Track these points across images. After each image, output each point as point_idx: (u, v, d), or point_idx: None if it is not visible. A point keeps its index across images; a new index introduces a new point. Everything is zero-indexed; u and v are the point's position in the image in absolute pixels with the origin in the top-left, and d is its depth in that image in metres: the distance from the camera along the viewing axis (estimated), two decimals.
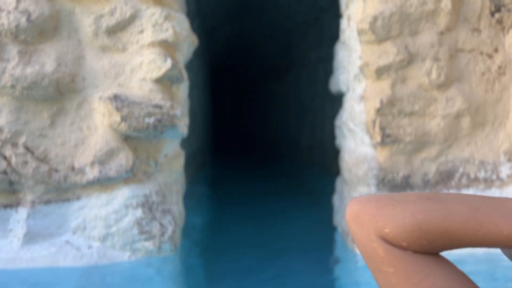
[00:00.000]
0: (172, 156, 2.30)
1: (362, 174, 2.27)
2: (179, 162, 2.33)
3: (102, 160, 2.03)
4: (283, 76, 9.95)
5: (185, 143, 4.93)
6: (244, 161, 8.47)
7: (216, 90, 12.22)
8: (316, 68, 7.25)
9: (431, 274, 0.50)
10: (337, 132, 2.64)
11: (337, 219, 2.66)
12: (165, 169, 2.26)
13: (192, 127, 5.68)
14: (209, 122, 8.94)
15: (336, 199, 2.71)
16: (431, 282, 0.50)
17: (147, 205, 2.10)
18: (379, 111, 2.20)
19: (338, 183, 2.70)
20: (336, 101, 6.09)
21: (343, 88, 2.50)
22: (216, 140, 11.37)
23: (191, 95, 5.64)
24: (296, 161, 7.97)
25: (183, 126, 2.19)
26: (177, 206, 2.25)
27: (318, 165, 6.95)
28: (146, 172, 2.15)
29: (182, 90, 2.32)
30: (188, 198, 4.27)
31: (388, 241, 0.50)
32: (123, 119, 2.00)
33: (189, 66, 5.32)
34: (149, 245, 2.09)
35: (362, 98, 2.25)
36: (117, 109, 1.99)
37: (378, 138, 2.21)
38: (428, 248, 0.50)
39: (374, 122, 2.21)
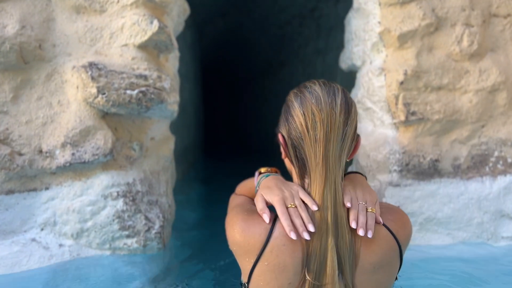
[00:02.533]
0: (160, 140, 1.96)
1: (382, 160, 1.95)
2: (169, 147, 1.99)
3: (75, 141, 1.68)
4: (277, 72, 9.64)
5: (177, 138, 4.59)
6: (237, 159, 8.12)
7: (208, 86, 11.88)
8: (313, 61, 6.94)
9: (240, 198, 1.22)
10: None
11: None
12: (151, 155, 1.92)
13: (183, 122, 5.32)
14: (201, 119, 8.60)
15: None
16: (237, 199, 1.21)
17: (130, 195, 1.76)
18: (402, 85, 1.88)
19: None
20: None
21: (357, 62, 2.18)
22: (208, 137, 11.03)
23: (182, 88, 5.30)
24: None
25: (172, 103, 1.85)
26: (166, 198, 1.91)
27: None
28: (128, 157, 1.81)
29: (172, 62, 1.98)
30: (180, 195, 3.92)
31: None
32: (100, 91, 1.65)
33: (181, 55, 4.98)
34: (132, 242, 1.74)
35: (382, 70, 1.93)
36: (93, 79, 1.65)
37: (401, 117, 1.89)
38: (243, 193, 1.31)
39: (396, 97, 1.89)
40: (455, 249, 1.86)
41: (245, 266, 1.07)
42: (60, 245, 1.71)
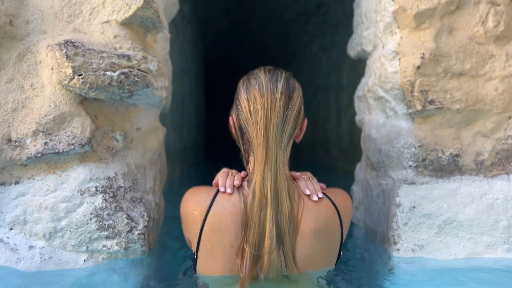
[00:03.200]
0: (147, 130, 1.76)
1: (396, 154, 1.73)
2: (157, 139, 1.79)
3: (49, 128, 1.48)
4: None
5: (175, 136, 4.39)
6: (240, 160, 7.92)
7: (211, 85, 11.69)
8: (319, 58, 6.73)
9: None
10: (358, 106, 2.11)
11: (358, 215, 2.11)
12: (137, 146, 1.71)
13: (182, 119, 5.13)
14: (202, 118, 8.40)
15: (355, 191, 2.17)
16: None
17: (110, 191, 1.56)
18: (419, 70, 1.67)
19: (358, 170, 2.17)
20: (342, 92, 5.56)
21: (367, 47, 1.97)
22: (210, 137, 10.84)
23: (182, 83, 5.10)
24: (296, 160, 7.45)
25: (160, 88, 1.65)
26: (153, 195, 1.70)
27: (321, 163, 6.41)
28: (110, 148, 1.61)
29: (161, 44, 1.78)
30: (178, 195, 3.72)
31: None
32: (76, 71, 1.45)
33: (180, 48, 4.77)
34: (112, 244, 1.54)
35: (396, 54, 1.72)
36: (68, 58, 1.45)
37: (417, 106, 1.68)
38: None
39: (412, 84, 1.68)
40: (478, 256, 1.65)
41: (194, 235, 1.20)
42: (30, 247, 1.51)
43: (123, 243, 1.54)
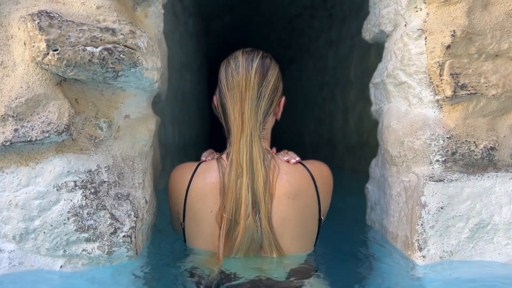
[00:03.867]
0: (137, 118, 1.55)
1: (421, 147, 1.51)
2: (148, 128, 1.57)
3: (20, 113, 1.27)
4: (286, 68, 9.22)
5: (175, 131, 4.18)
6: None
7: (214, 83, 11.45)
8: (325, 54, 6.51)
9: None
10: (375, 94, 1.89)
11: (373, 216, 1.89)
12: (125, 136, 1.50)
13: (183, 115, 4.92)
14: (205, 115, 8.19)
15: (370, 190, 1.95)
16: None
17: (91, 186, 1.34)
18: (449, 50, 1.45)
19: (374, 167, 1.95)
20: (349, 88, 5.33)
21: (386, 27, 1.75)
22: (213, 134, 10.62)
23: (183, 77, 4.89)
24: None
25: (150, 69, 1.43)
26: (142, 191, 1.49)
27: (326, 162, 6.19)
28: (93, 137, 1.39)
29: (153, 20, 1.57)
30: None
31: None
32: (51, 45, 1.24)
33: (180, 41, 4.56)
34: (93, 248, 1.33)
35: (422, 32, 1.50)
36: (41, 29, 1.23)
37: (447, 91, 1.46)
38: None
39: (441, 66, 1.46)
40: None
41: (180, 206, 1.33)
42: None
43: (106, 247, 1.33)
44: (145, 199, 1.49)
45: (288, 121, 8.52)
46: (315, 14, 6.92)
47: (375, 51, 4.50)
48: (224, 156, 1.33)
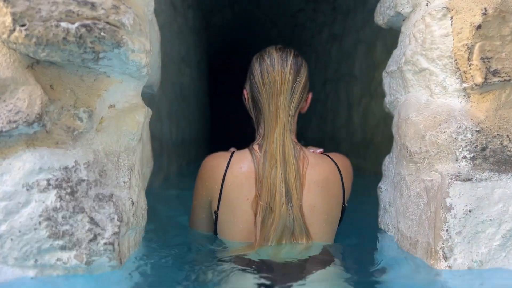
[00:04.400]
0: (123, 109, 1.36)
1: (445, 142, 1.33)
2: (136, 120, 1.39)
3: None
4: None
5: (172, 127, 3.99)
6: None
7: (216, 80, 11.30)
8: (328, 49, 6.33)
9: None
10: (389, 84, 1.70)
11: (387, 219, 1.71)
12: (109, 128, 1.32)
13: (182, 111, 4.73)
14: (206, 111, 8.00)
15: (383, 190, 1.77)
16: None
17: (67, 186, 1.16)
18: (479, 31, 1.27)
19: (387, 164, 1.76)
20: (353, 83, 5.14)
21: (404, 8, 1.56)
22: (214, 131, 10.44)
23: (181, 72, 4.70)
24: None
25: (138, 51, 1.25)
26: (128, 191, 1.30)
27: None
28: (71, 129, 1.21)
29: None
30: (173, 190, 3.32)
31: None
32: (18, 20, 1.06)
33: (179, 33, 4.35)
34: (69, 257, 1.15)
35: (448, 11, 1.32)
36: (6, 0, 1.05)
37: (477, 78, 1.27)
38: None
39: (470, 49, 1.28)
40: None
41: (215, 194, 1.37)
42: None
43: (84, 255, 1.15)
44: (132, 200, 1.31)
45: None
46: (318, 8, 6.73)
47: (381, 44, 4.31)
48: (255, 147, 1.40)
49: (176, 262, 1.46)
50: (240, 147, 1.53)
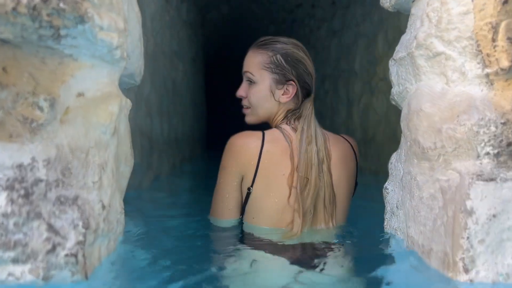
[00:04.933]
0: (94, 98, 1.18)
1: (465, 136, 1.15)
2: (109, 111, 1.20)
3: None
4: None
5: (164, 124, 3.81)
6: None
7: (213, 78, 11.11)
8: (327, 45, 6.16)
9: None
10: (397, 72, 1.52)
11: (394, 223, 1.53)
12: (75, 120, 1.13)
13: (174, 107, 4.55)
14: (201, 108, 7.82)
15: (390, 191, 1.59)
16: None
17: (21, 187, 0.98)
18: (506, 6, 1.09)
19: (395, 163, 1.59)
20: (353, 79, 4.96)
21: None
22: (211, 130, 10.26)
23: (174, 66, 4.52)
24: None
25: (107, 29, 1.07)
26: (98, 192, 1.13)
27: None
28: (28, 120, 1.03)
29: None
30: (163, 192, 3.12)
31: None
32: None
33: (171, 26, 4.16)
34: (23, 271, 0.96)
35: None
36: None
37: (502, 61, 1.10)
38: None
39: (494, 28, 1.10)
40: None
41: (251, 170, 1.44)
42: None
43: (41, 269, 0.97)
44: (102, 203, 1.13)
45: None
46: (316, 3, 6.56)
47: (382, 38, 4.14)
48: (284, 126, 1.54)
49: (158, 269, 1.28)
50: None
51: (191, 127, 6.12)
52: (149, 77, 3.00)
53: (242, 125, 1.71)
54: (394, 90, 1.56)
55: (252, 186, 1.43)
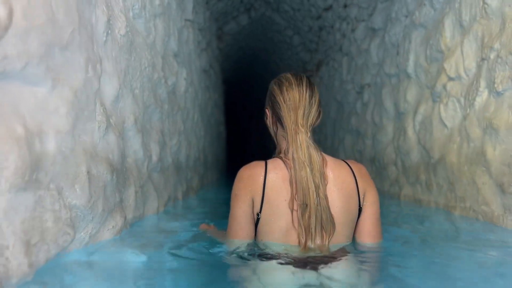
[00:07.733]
0: None
1: None
2: None
3: None
4: (313, 75, 7.81)
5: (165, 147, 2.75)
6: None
7: (229, 98, 10.16)
8: (364, 48, 5.07)
9: None
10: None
11: None
12: None
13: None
14: (219, 132, 6.81)
15: None
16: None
17: None
18: None
19: None
20: (406, 83, 3.81)
21: None
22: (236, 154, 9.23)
23: (170, 68, 3.49)
24: None
25: None
26: None
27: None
28: None
29: None
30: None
31: None
32: None
33: (174, 26, 3.10)
34: None
35: None
36: None
37: None
38: None
39: None
40: None
41: (258, 196, 1.53)
42: None
43: None
44: None
45: (319, 137, 7.05)
46: (349, 2, 5.51)
47: (452, 23, 3.03)
48: (282, 155, 1.59)
49: None
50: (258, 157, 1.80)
51: (202, 150, 5.08)
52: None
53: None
54: None
55: (260, 212, 1.52)
